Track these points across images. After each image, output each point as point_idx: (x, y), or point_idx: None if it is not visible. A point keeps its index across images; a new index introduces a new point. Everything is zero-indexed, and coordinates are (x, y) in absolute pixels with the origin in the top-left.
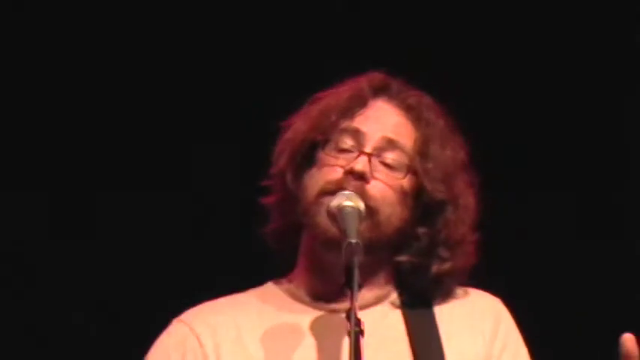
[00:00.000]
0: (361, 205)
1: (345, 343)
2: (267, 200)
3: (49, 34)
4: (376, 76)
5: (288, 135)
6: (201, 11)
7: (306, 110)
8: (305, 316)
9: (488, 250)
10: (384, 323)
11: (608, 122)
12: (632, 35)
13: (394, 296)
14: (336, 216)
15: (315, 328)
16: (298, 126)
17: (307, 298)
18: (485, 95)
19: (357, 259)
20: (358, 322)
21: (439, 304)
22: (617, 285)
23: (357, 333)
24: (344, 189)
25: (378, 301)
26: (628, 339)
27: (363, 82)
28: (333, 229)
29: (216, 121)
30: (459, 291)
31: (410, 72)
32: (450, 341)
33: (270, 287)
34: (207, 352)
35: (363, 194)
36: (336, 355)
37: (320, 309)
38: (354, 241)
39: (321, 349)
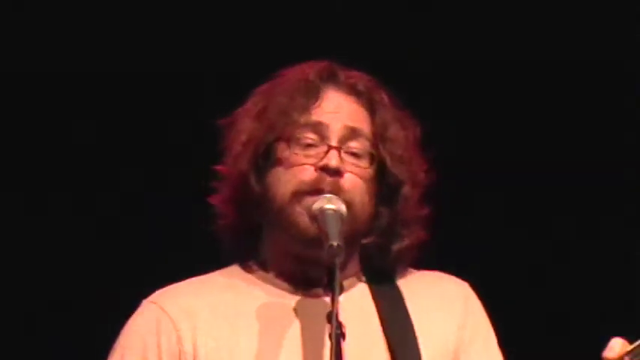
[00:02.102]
0: (343, 208)
1: (326, 328)
2: (219, 199)
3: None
4: (322, 66)
5: (241, 137)
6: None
7: (254, 107)
8: (281, 300)
9: None
10: (356, 310)
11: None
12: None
13: (363, 280)
14: (318, 218)
15: (292, 312)
16: (251, 126)
17: (285, 284)
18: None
19: (339, 261)
20: (340, 325)
21: (408, 288)
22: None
23: (338, 336)
24: (320, 188)
25: (348, 287)
26: (617, 343)
27: (309, 72)
28: (312, 230)
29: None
30: (428, 275)
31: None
32: (421, 326)
33: (238, 271)
34: (183, 336)
35: (339, 190)
36: (317, 342)
37: (299, 292)
38: (335, 243)
39: (303, 335)
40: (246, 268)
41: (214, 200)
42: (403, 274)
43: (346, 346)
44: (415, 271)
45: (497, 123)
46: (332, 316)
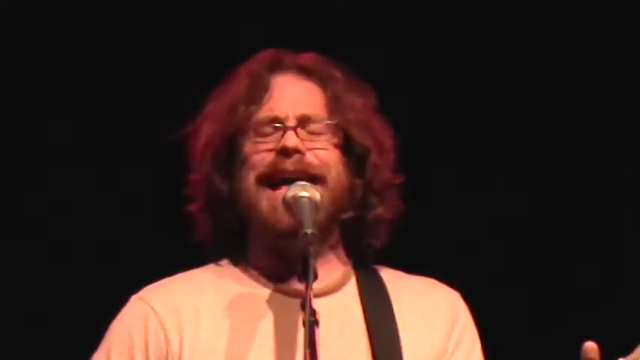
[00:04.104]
0: (317, 196)
1: (302, 326)
2: (194, 207)
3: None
4: (265, 55)
5: (202, 140)
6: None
7: (210, 110)
8: (264, 297)
9: None
10: (342, 311)
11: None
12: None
13: (352, 282)
14: (292, 206)
15: (274, 309)
16: (209, 128)
17: (266, 280)
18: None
19: (313, 249)
20: (313, 312)
21: (397, 293)
22: None
23: (311, 323)
24: (283, 169)
25: (337, 287)
26: (590, 348)
27: (254, 65)
28: (286, 219)
29: None
30: (419, 281)
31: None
32: (407, 333)
33: (227, 266)
34: (170, 335)
35: (305, 166)
36: (293, 338)
37: (278, 290)
38: (309, 231)
39: (280, 334)
40: (232, 264)
41: (190, 209)
42: (393, 276)
43: (328, 348)
44: (406, 275)
45: (495, 122)
46: (306, 304)
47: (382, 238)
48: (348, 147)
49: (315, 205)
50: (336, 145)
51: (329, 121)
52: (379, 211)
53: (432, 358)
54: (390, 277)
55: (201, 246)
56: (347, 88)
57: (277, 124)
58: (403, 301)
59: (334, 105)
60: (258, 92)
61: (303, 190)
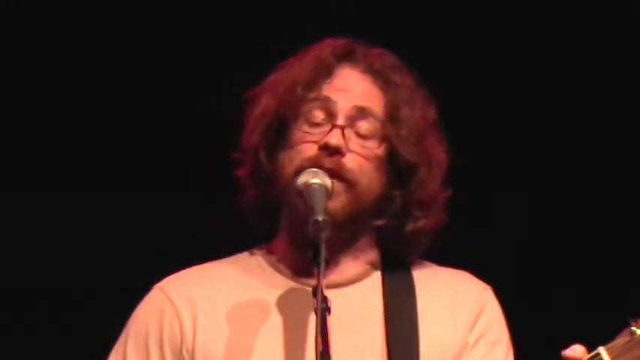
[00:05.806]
0: (328, 183)
1: (314, 315)
2: (241, 172)
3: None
4: (338, 42)
5: (257, 110)
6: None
7: (272, 82)
8: (283, 290)
9: None
10: (361, 303)
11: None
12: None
13: (377, 274)
14: (303, 193)
15: (291, 302)
16: (265, 101)
17: (288, 271)
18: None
19: (324, 236)
20: (325, 299)
21: (424, 284)
22: None
23: (323, 310)
24: (321, 165)
25: (360, 278)
26: (577, 351)
27: (325, 49)
28: (302, 206)
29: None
30: (449, 274)
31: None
32: (427, 325)
33: (253, 256)
34: (185, 324)
35: (340, 168)
36: (305, 328)
37: (299, 283)
38: (320, 218)
39: (293, 325)
40: (264, 254)
41: (238, 173)
42: (423, 268)
43: (342, 339)
44: (438, 267)
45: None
46: (317, 291)
47: (421, 249)
48: (392, 159)
49: (326, 192)
50: (377, 153)
51: (380, 131)
52: (421, 223)
53: (450, 352)
54: (420, 270)
55: (240, 210)
56: (408, 97)
57: (327, 117)
58: (429, 294)
59: (390, 113)
60: (319, 78)
61: (315, 177)
